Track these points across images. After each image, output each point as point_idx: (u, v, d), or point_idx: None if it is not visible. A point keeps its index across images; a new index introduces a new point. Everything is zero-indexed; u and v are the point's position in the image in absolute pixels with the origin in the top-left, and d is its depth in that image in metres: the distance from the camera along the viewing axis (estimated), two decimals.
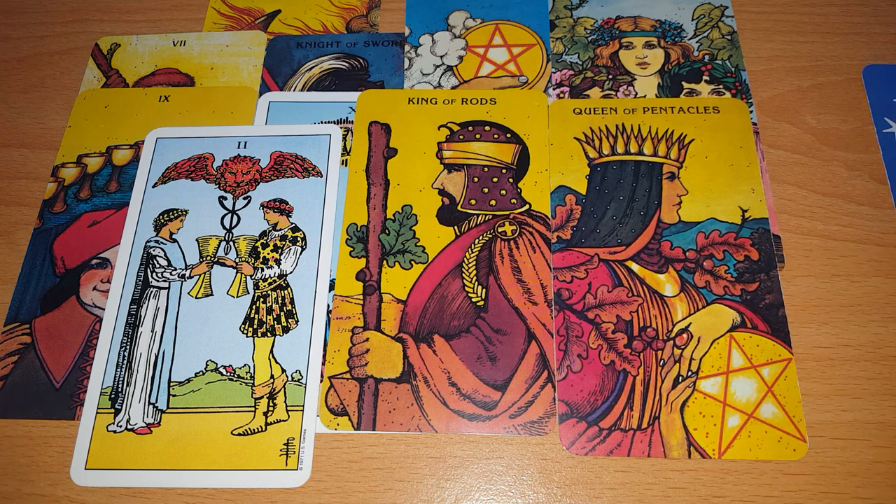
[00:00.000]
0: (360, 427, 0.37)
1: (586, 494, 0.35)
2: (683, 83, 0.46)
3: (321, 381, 0.38)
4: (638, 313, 0.39)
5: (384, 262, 0.41)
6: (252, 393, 0.38)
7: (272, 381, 0.38)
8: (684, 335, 0.38)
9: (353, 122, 0.46)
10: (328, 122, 0.47)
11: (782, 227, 0.42)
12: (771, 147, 0.45)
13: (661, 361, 0.38)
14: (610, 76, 0.47)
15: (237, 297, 0.41)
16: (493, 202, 0.43)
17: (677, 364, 0.38)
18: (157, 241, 0.43)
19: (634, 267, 0.40)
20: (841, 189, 0.43)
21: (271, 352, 0.39)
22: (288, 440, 0.37)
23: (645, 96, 0.46)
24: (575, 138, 0.44)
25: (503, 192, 0.43)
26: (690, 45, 0.48)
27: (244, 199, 0.44)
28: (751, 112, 0.45)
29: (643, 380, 0.37)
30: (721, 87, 0.46)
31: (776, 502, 0.35)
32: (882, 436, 0.36)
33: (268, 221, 0.43)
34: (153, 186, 0.45)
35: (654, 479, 0.36)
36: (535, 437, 0.37)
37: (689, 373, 0.37)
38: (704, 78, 0.47)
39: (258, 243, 0.42)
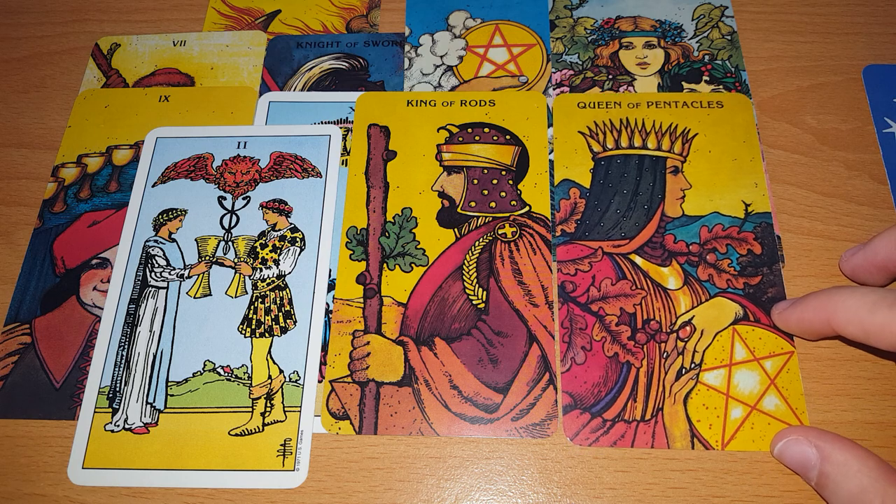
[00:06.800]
0: (361, 431, 0.37)
1: (586, 494, 0.35)
2: (683, 83, 0.46)
3: (319, 383, 0.38)
4: (641, 306, 0.39)
5: (384, 265, 0.41)
6: (249, 393, 0.38)
7: (270, 381, 0.38)
8: (687, 328, 0.38)
9: (352, 122, 0.46)
10: (328, 123, 0.47)
11: (782, 226, 0.42)
12: (771, 147, 0.44)
13: (665, 354, 0.38)
14: (610, 76, 0.47)
15: (235, 297, 0.41)
16: (492, 204, 0.43)
17: (680, 356, 0.37)
18: (155, 241, 0.43)
19: (638, 260, 0.40)
20: (841, 189, 0.43)
21: (269, 352, 0.39)
22: (285, 441, 0.37)
23: None
24: (579, 132, 0.44)
25: (503, 193, 0.43)
26: (690, 46, 0.48)
27: (243, 199, 0.44)
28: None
29: (647, 372, 0.37)
30: (721, 87, 0.46)
31: (776, 502, 0.35)
32: (882, 436, 0.36)
33: (267, 222, 0.43)
34: (153, 186, 0.45)
35: (654, 479, 0.35)
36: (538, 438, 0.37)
37: (693, 365, 0.37)
38: (704, 78, 0.46)
39: (257, 243, 0.42)
